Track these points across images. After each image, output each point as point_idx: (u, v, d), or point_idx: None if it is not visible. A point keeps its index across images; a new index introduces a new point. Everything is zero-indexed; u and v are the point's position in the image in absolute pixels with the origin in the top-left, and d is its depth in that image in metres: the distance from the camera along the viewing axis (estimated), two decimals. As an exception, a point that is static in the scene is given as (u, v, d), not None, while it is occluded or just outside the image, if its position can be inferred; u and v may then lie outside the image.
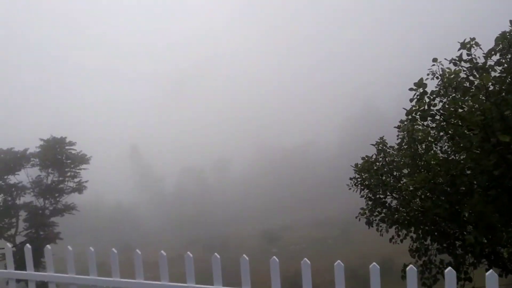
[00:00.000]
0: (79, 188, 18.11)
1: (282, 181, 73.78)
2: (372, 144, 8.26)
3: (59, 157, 17.28)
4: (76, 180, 17.99)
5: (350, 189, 8.43)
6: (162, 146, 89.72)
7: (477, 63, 6.15)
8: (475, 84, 6.04)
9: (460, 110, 5.82)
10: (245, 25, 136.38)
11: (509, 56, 6.32)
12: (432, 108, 6.08)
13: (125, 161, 79.68)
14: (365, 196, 8.18)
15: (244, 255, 2.96)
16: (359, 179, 8.16)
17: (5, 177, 17.03)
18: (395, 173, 8.11)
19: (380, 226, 8.61)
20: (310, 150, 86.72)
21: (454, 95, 6.27)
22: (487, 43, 6.07)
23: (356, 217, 8.96)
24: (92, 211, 54.07)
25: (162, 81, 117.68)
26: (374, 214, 8.62)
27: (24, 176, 17.37)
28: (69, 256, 2.94)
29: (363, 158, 8.64)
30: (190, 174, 76.89)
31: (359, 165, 8.14)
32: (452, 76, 6.11)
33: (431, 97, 6.08)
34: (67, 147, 17.46)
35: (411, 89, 5.92)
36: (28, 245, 3.02)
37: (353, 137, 73.74)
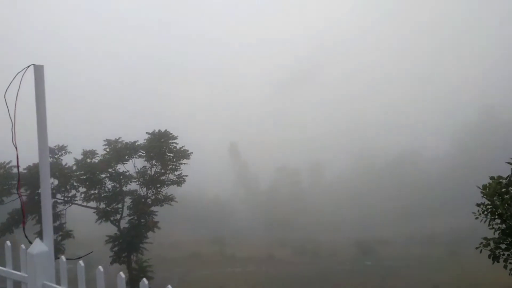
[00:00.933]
0: (179, 181, 18.87)
1: (383, 190, 69.12)
2: (508, 163, 6.51)
3: (162, 150, 18.21)
4: (176, 173, 18.77)
5: (476, 218, 6.83)
6: (261, 144, 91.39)
7: None
8: None
9: None
10: (364, 20, 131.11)
11: None
12: None
13: (224, 157, 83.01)
14: (495, 228, 6.57)
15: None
16: (489, 207, 6.56)
17: (115, 165, 18.49)
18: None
19: (511, 263, 6.93)
20: (418, 160, 79.78)
21: None
22: None
23: (476, 248, 7.37)
24: (191, 202, 57.38)
25: (269, 80, 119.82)
26: (502, 247, 6.96)
27: (131, 166, 18.70)
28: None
29: (492, 178, 7.00)
30: (285, 175, 76.92)
31: (487, 187, 6.55)
32: None
33: None
34: (170, 141, 18.32)
35: None
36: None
37: (469, 148, 65.90)
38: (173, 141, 18.36)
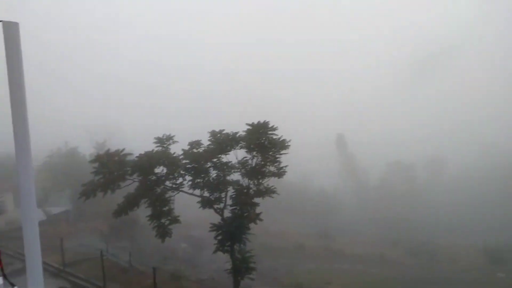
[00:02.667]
0: (279, 173, 18.22)
1: (512, 190, 59.57)
2: None
3: (262, 141, 17.71)
4: (276, 164, 18.14)
5: None
6: (371, 136, 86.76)
7: None
8: None
9: None
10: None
11: None
12: None
13: (331, 148, 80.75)
14: None
15: None
16: None
17: (219, 156, 18.64)
18: None
19: None
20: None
21: None
22: None
23: None
24: (295, 193, 57.01)
25: (391, 70, 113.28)
26: None
27: (233, 156, 18.64)
28: None
29: None
30: (397, 170, 71.44)
31: None
32: None
33: None
34: (269, 132, 17.73)
35: None
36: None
37: None
38: (272, 132, 17.71)
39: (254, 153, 18.09)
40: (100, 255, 19.79)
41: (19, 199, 1.72)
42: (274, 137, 17.73)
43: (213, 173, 18.67)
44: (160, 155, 17.79)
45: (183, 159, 18.33)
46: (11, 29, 1.58)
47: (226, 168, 18.64)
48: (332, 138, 79.82)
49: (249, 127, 18.14)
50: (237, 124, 19.23)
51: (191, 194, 18.67)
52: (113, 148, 18.84)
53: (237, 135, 18.40)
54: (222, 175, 18.67)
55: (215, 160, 18.53)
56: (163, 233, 17.46)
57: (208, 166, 18.57)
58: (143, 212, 19.96)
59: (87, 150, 46.48)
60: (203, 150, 18.63)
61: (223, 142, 18.23)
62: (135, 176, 17.53)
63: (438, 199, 62.00)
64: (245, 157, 18.62)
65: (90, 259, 23.10)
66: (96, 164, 17.14)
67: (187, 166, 18.26)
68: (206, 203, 17.96)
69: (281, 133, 18.01)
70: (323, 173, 69.45)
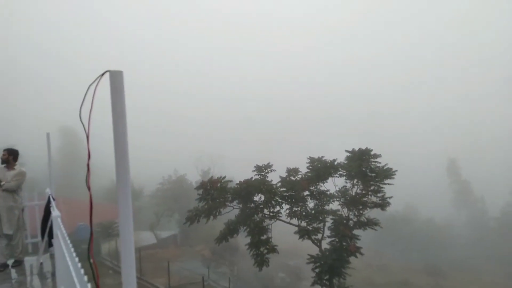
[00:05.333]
0: (382, 204, 17.01)
1: None
2: None
3: (363, 169, 16.84)
4: (379, 195, 17.01)
5: None
6: (490, 160, 77.40)
7: None
8: None
9: None
10: None
11: None
12: None
13: (441, 175, 73.70)
14: None
15: None
16: None
17: (317, 183, 18.21)
18: None
19: None
20: None
21: None
22: None
23: None
24: (400, 224, 52.80)
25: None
26: None
27: (332, 185, 18.04)
28: None
29: None
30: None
31: None
32: None
33: None
34: (372, 160, 16.81)
35: None
36: None
37: None
38: (375, 159, 16.74)
39: (355, 181, 17.28)
40: (201, 280, 20.52)
41: (121, 224, 1.73)
42: (378, 165, 16.76)
43: (311, 202, 18.28)
44: (259, 183, 18.06)
45: (280, 186, 18.34)
46: (117, 77, 1.65)
47: (324, 197, 18.12)
48: (443, 163, 73.02)
49: (349, 154, 17.48)
50: (336, 151, 18.74)
51: (288, 223, 18.46)
52: (216, 176, 19.74)
53: (336, 162, 17.86)
54: (320, 204, 18.17)
55: (312, 188, 18.17)
56: (261, 261, 17.44)
57: (306, 194, 18.25)
58: (243, 239, 20.30)
59: (194, 177, 49.91)
60: (301, 178, 18.43)
61: (321, 169, 17.82)
62: (235, 203, 18.02)
63: None
64: (345, 186, 17.90)
65: (193, 284, 24.11)
66: (200, 191, 18.08)
67: (284, 194, 18.19)
68: (303, 233, 17.53)
69: (385, 159, 16.95)
70: (432, 202, 63.42)
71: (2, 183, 7.09)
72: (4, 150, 7.47)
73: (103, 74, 1.66)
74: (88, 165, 1.85)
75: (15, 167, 7.41)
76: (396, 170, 16.63)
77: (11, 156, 7.39)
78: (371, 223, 17.09)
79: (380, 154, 16.79)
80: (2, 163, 7.38)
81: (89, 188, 1.86)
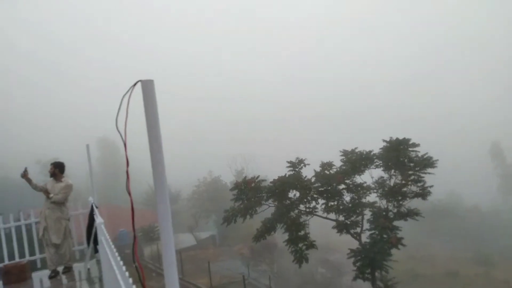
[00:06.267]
0: (423, 194, 16.49)
1: None
2: None
3: (401, 159, 16.39)
4: (419, 184, 16.49)
5: None
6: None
7: None
8: None
9: None
10: None
11: None
12: None
13: (486, 160, 70.44)
14: None
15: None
16: None
17: (353, 176, 17.91)
18: None
19: None
20: None
21: None
22: None
23: None
24: (444, 212, 50.92)
25: None
26: None
27: (368, 176, 17.69)
28: None
29: None
30: None
31: None
32: None
33: None
34: (410, 149, 16.33)
35: None
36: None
37: None
38: (413, 149, 16.24)
39: (392, 172, 16.85)
40: (242, 279, 20.71)
41: (161, 227, 1.79)
42: (417, 154, 16.27)
43: (347, 196, 18.00)
44: (293, 179, 17.97)
45: (315, 182, 18.17)
46: (148, 87, 1.70)
47: (361, 189, 17.78)
48: (485, 147, 69.74)
49: (386, 143, 17.07)
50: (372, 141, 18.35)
51: (326, 218, 18.27)
52: (250, 175, 19.85)
53: (372, 153, 17.48)
54: (356, 197, 17.85)
55: (348, 181, 17.88)
56: (300, 258, 17.35)
57: (341, 188, 17.99)
58: (281, 236, 20.32)
59: (229, 178, 50.45)
60: (335, 171, 18.18)
61: (356, 161, 17.51)
62: (270, 201, 18.04)
63: None
64: (382, 177, 17.49)
65: (234, 283, 24.39)
66: (235, 191, 18.24)
67: (320, 189, 18.02)
68: (342, 227, 17.30)
69: (425, 148, 16.40)
70: (477, 189, 60.81)
71: (50, 196, 7.46)
72: (51, 164, 7.89)
73: (135, 84, 1.71)
74: (127, 171, 1.91)
75: (63, 179, 7.77)
76: (437, 160, 16.07)
77: (57, 169, 7.79)
78: (411, 214, 16.62)
79: (419, 143, 16.28)
80: (51, 176, 7.77)
81: (129, 193, 1.92)
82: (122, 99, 1.77)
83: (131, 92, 1.73)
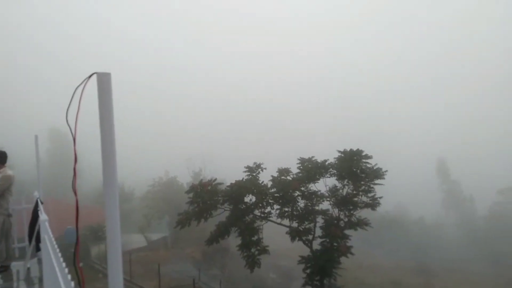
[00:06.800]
0: (373, 204, 17.16)
1: None
2: None
3: (354, 170, 16.96)
4: (370, 195, 17.14)
5: None
6: (476, 160, 78.40)
7: None
8: None
9: None
10: None
11: None
12: None
13: (431, 175, 74.36)
14: None
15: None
16: None
17: (308, 184, 18.27)
18: None
19: None
20: None
21: None
22: None
23: None
24: (390, 223, 53.17)
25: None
26: None
27: (323, 185, 18.13)
28: None
29: None
30: (509, 196, 62.91)
31: None
32: None
33: None
34: (363, 160, 16.94)
35: None
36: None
37: None
38: (366, 160, 16.87)
39: (345, 181, 17.39)
40: (192, 282, 20.42)
41: (109, 226, 1.73)
42: (369, 165, 16.90)
43: (302, 202, 18.34)
44: (250, 184, 18.05)
45: (271, 187, 18.36)
46: (104, 80, 1.64)
47: (315, 197, 18.19)
48: (433, 164, 73.68)
49: (340, 154, 17.58)
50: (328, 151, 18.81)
51: (279, 224, 18.49)
52: (208, 177, 19.70)
53: (327, 162, 17.95)
54: (310, 204, 18.24)
55: (303, 188, 18.22)
56: (252, 263, 17.43)
57: (297, 194, 18.30)
58: (234, 240, 20.26)
59: (186, 179, 49.57)
60: (292, 178, 18.47)
61: (311, 169, 17.89)
62: (226, 205, 17.98)
63: None
64: (335, 186, 18.00)
65: (184, 286, 23.98)
66: (191, 194, 18.00)
67: (275, 194, 18.22)
68: (294, 234, 17.58)
69: (376, 160, 17.08)
70: (423, 202, 64.03)
71: None
72: None
73: (90, 76, 1.64)
74: (74, 169, 1.81)
75: (1, 170, 7.23)
76: (387, 171, 16.78)
77: None
78: (361, 223, 17.21)
79: (371, 155, 16.93)
80: None
81: (75, 193, 1.83)
82: (75, 91, 1.69)
83: (85, 84, 1.66)
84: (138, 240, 38.24)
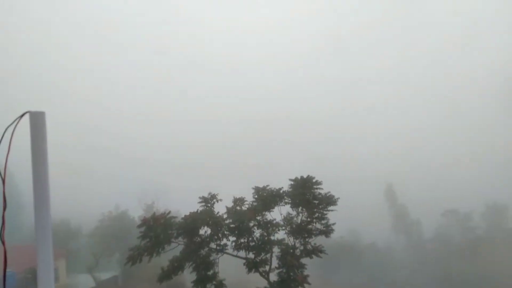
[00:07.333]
0: (326, 231, 17.40)
1: None
2: None
3: (307, 196, 17.22)
4: (323, 222, 17.41)
5: None
6: (422, 184, 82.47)
7: None
8: None
9: None
10: None
11: None
12: None
13: (381, 200, 77.09)
14: None
15: None
16: None
17: (264, 213, 18.23)
18: None
19: None
20: None
21: None
22: None
23: None
24: (344, 248, 54.08)
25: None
26: None
27: (278, 213, 18.17)
28: None
29: None
30: (453, 220, 66.53)
31: None
32: None
33: None
34: (314, 187, 17.27)
35: None
36: None
37: None
38: (317, 186, 17.22)
39: (300, 209, 17.55)
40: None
41: (40, 270, 1.63)
42: (320, 191, 17.23)
43: (257, 232, 18.19)
44: (205, 215, 17.67)
45: (227, 218, 18.09)
46: (38, 119, 1.58)
47: (270, 226, 18.13)
48: (381, 188, 76.48)
49: (292, 182, 17.80)
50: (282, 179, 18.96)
51: (236, 256, 18.15)
52: (161, 209, 19.05)
53: (281, 190, 18.07)
54: (266, 234, 18.13)
55: (259, 218, 18.14)
56: (212, 300, 16.83)
57: (252, 224, 18.16)
58: (189, 276, 19.53)
59: (137, 212, 47.53)
60: (247, 208, 18.35)
61: (267, 198, 17.91)
62: (180, 238, 17.41)
63: (500, 252, 56.19)
64: (290, 213, 18.10)
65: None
66: (143, 228, 17.25)
67: (231, 225, 17.95)
68: (251, 266, 17.29)
69: (327, 186, 17.46)
70: (374, 227, 65.95)
71: None
72: None
73: (22, 116, 1.56)
74: (3, 216, 1.65)
75: None
76: (338, 198, 17.17)
77: None
78: (316, 251, 17.31)
79: (321, 181, 17.30)
80: None
81: (3, 243, 1.69)
82: (5, 130, 1.60)
83: (17, 123, 1.58)
84: (85, 281, 35.72)
